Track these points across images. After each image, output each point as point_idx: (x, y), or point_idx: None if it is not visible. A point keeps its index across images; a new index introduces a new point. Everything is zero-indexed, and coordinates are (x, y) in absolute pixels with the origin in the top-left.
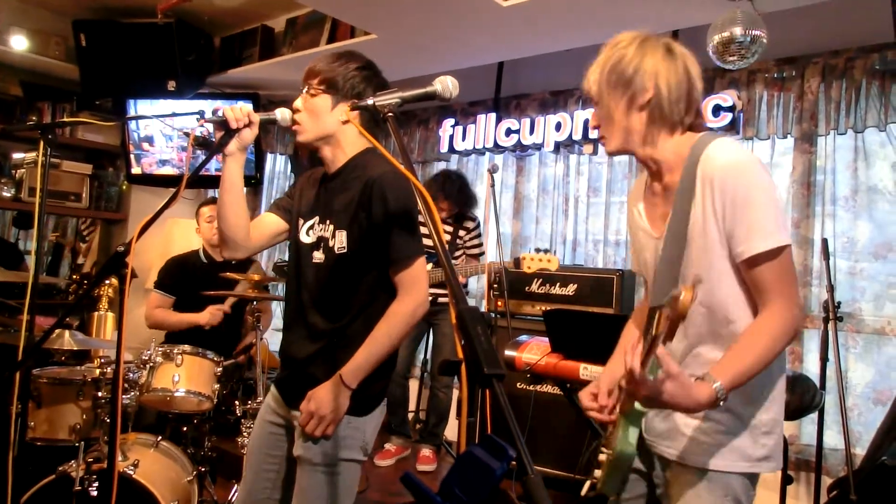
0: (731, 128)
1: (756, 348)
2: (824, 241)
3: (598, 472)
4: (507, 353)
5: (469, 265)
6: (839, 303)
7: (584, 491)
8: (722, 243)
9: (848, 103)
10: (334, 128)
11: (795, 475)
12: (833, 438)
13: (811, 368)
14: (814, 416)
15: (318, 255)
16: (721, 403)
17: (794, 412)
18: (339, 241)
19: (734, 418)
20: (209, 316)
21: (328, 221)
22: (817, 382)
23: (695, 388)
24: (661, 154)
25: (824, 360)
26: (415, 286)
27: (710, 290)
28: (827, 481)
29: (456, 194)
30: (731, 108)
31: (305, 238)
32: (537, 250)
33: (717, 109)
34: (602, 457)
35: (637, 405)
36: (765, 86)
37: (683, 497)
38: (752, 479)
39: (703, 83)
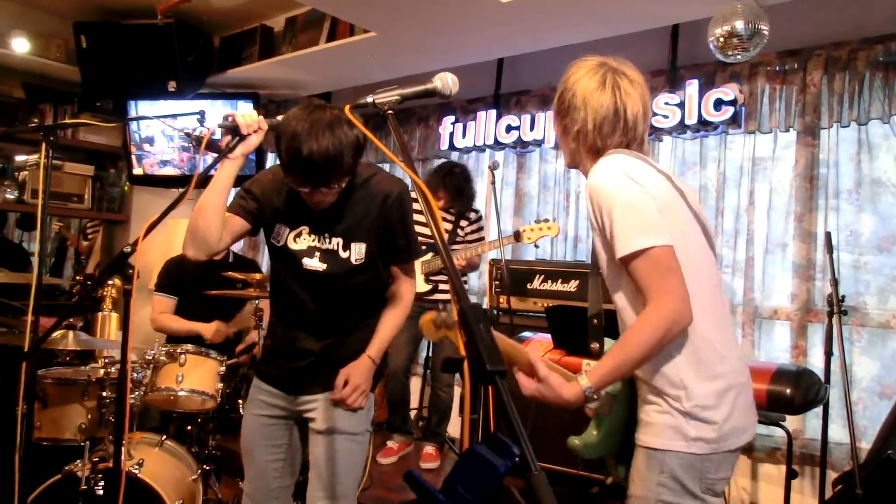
0: (733, 122)
1: (627, 345)
2: (828, 235)
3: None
4: None
5: (470, 247)
6: (843, 296)
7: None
8: (609, 254)
9: (851, 95)
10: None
11: (800, 470)
12: (838, 433)
13: (816, 363)
14: (818, 410)
15: (314, 264)
16: (592, 399)
17: (798, 406)
18: (357, 252)
19: (668, 401)
20: (213, 332)
21: (334, 233)
22: (822, 377)
23: (564, 388)
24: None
25: (829, 354)
26: (411, 275)
27: (616, 296)
28: (832, 476)
29: (453, 191)
30: (733, 102)
31: (294, 245)
32: (536, 221)
33: (718, 103)
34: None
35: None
36: (767, 79)
37: (630, 475)
38: (695, 459)
39: (641, 105)
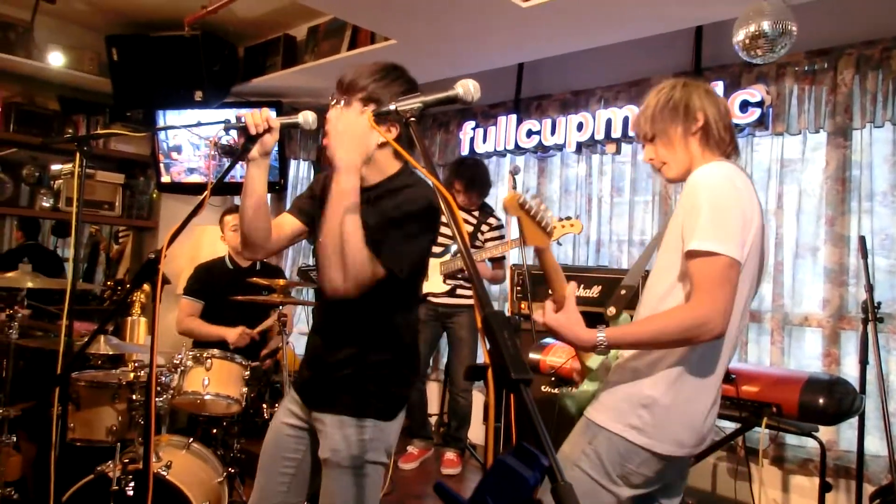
0: (760, 123)
1: (652, 323)
2: (861, 239)
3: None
4: (532, 356)
5: (491, 244)
6: (879, 303)
7: None
8: (679, 242)
9: (885, 95)
10: (372, 150)
11: (834, 482)
12: (875, 444)
13: (850, 372)
14: (853, 421)
15: None
16: (601, 348)
17: (832, 417)
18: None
19: (623, 385)
20: (237, 336)
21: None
22: (857, 386)
23: (582, 327)
24: (685, 174)
25: (864, 362)
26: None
27: (662, 279)
28: (869, 489)
29: (467, 181)
30: (760, 104)
31: None
32: (560, 218)
33: (744, 105)
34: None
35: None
36: (795, 79)
37: (570, 435)
38: (629, 449)
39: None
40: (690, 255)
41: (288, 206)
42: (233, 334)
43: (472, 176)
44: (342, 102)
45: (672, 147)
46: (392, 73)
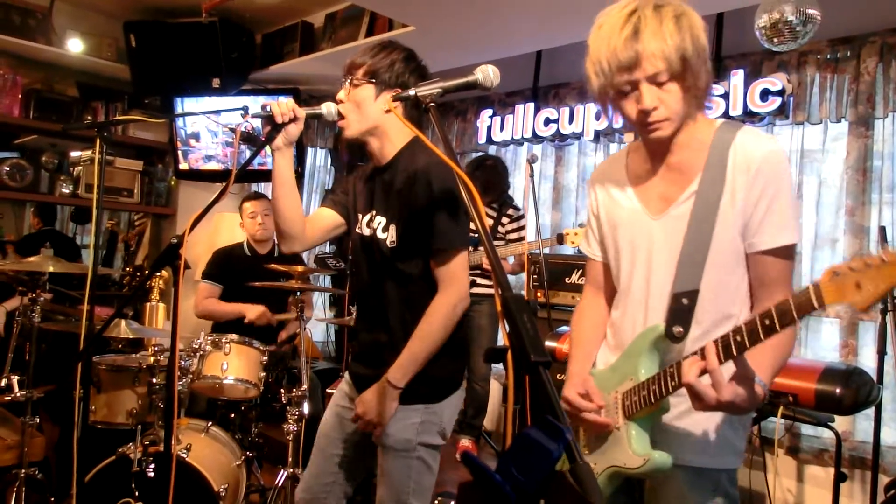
0: (781, 112)
1: (780, 347)
2: (882, 230)
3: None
4: (548, 343)
5: (510, 245)
6: None
7: None
8: (740, 233)
9: None
10: (378, 118)
11: (850, 473)
12: (890, 435)
13: (867, 362)
14: (870, 411)
15: (375, 248)
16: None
17: (848, 407)
18: (391, 235)
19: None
20: (257, 315)
21: (380, 215)
22: (874, 376)
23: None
24: (682, 132)
25: (882, 353)
26: (453, 282)
27: (732, 281)
28: (884, 480)
29: (482, 186)
30: (781, 93)
31: (366, 231)
32: (581, 225)
33: (765, 94)
34: (599, 467)
35: (657, 409)
36: (817, 68)
37: (667, 499)
38: (734, 474)
39: None
40: (774, 251)
41: (306, 194)
42: (253, 311)
43: (486, 182)
44: (346, 82)
45: (687, 99)
46: (388, 47)
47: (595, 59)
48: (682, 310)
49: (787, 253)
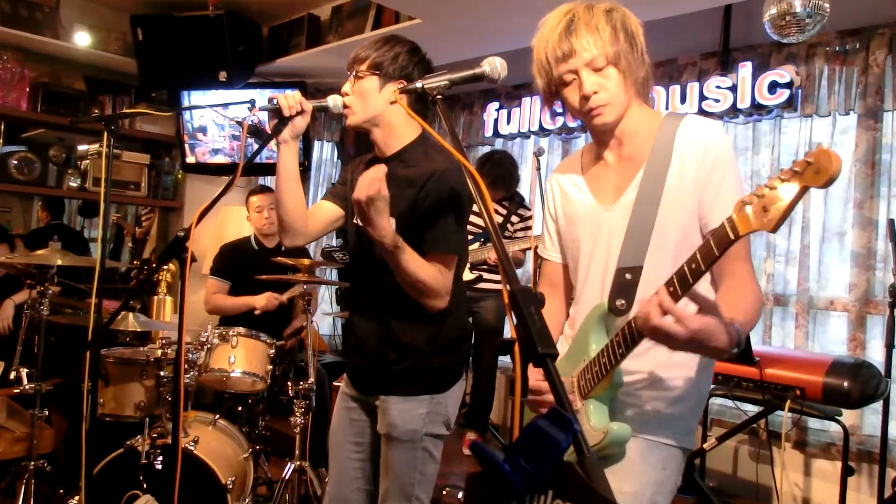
0: (789, 105)
1: (746, 309)
2: (890, 222)
3: None
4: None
5: (516, 239)
6: None
7: None
8: (693, 212)
9: None
10: (382, 109)
11: (857, 466)
12: None
13: (874, 356)
14: (877, 405)
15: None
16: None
17: (856, 401)
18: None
19: (688, 387)
20: (265, 301)
21: None
22: (882, 370)
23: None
24: (630, 123)
25: (890, 346)
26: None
27: (678, 258)
28: (892, 474)
29: (490, 180)
30: (789, 85)
31: (356, 221)
32: None
33: (773, 86)
34: None
35: (610, 382)
36: (826, 60)
37: (617, 472)
38: (685, 455)
39: None
40: None
41: (312, 187)
42: (260, 300)
43: (496, 176)
44: (351, 76)
45: (626, 85)
46: (392, 40)
47: (537, 59)
48: (625, 284)
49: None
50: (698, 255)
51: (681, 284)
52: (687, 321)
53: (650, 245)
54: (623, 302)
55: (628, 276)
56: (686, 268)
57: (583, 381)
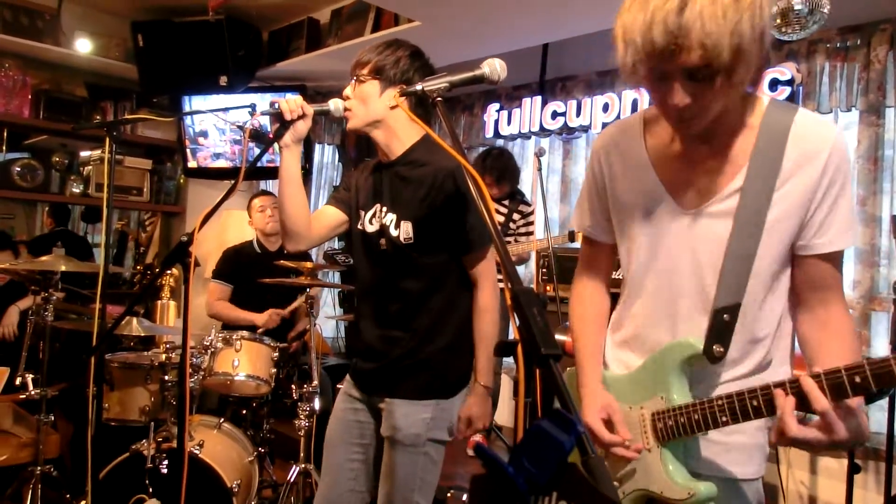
0: (790, 102)
1: (857, 354)
2: (893, 219)
3: None
4: (558, 337)
5: (519, 244)
6: None
7: None
8: (793, 234)
9: None
10: (383, 113)
11: (864, 464)
12: None
13: (880, 353)
14: (883, 402)
15: (384, 243)
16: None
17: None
18: (405, 231)
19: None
20: (266, 318)
21: (389, 210)
22: None
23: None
24: (729, 115)
25: (894, 343)
26: (490, 275)
27: (775, 291)
28: None
29: (497, 173)
30: (790, 82)
31: (370, 227)
32: None
33: (773, 84)
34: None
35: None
36: (826, 56)
37: None
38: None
39: None
40: (831, 256)
41: (313, 190)
42: (261, 318)
43: (502, 169)
44: (353, 80)
45: (733, 91)
46: (393, 45)
47: (628, 26)
48: (722, 326)
49: (842, 257)
50: (868, 373)
51: (833, 393)
52: (837, 430)
53: (749, 280)
54: (721, 349)
55: (726, 316)
56: (846, 376)
57: (661, 426)
